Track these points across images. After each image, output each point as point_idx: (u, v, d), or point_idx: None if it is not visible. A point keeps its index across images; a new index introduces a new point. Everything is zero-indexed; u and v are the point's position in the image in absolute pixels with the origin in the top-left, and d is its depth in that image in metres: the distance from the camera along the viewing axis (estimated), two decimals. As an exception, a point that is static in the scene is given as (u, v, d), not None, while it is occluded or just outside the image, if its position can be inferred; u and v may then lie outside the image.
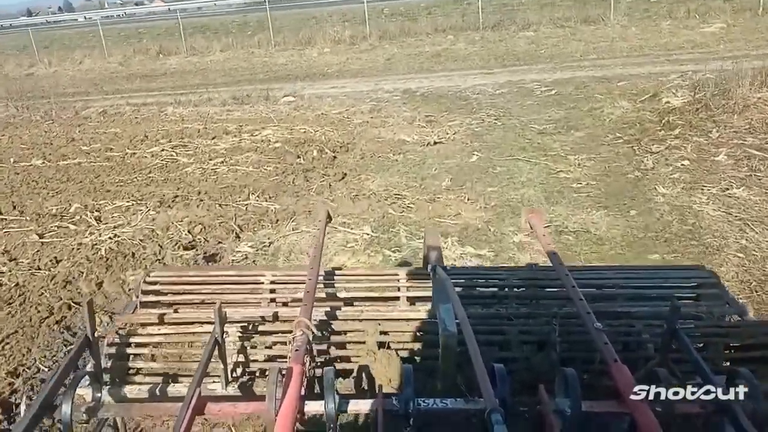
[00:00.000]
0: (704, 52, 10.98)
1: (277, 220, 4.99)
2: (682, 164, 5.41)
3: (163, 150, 7.33)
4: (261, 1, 21.27)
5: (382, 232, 4.61)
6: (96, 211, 5.44)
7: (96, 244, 4.69)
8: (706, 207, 4.59)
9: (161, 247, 4.57)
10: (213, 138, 7.69)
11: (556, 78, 9.94)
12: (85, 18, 28.15)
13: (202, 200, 5.49)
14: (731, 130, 6.08)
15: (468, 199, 5.08)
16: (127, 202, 5.60)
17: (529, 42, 14.11)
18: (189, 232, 4.83)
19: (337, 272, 2.51)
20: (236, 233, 4.77)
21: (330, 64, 14.31)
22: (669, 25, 13.96)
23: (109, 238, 4.80)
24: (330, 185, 5.67)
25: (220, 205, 5.32)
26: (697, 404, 1.47)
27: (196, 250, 4.53)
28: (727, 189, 4.79)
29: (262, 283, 2.36)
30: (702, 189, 4.85)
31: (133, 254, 4.47)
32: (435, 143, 6.74)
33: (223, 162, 6.62)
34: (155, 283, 2.37)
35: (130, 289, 3.83)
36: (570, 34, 14.46)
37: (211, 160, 6.74)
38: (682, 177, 5.16)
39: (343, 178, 5.84)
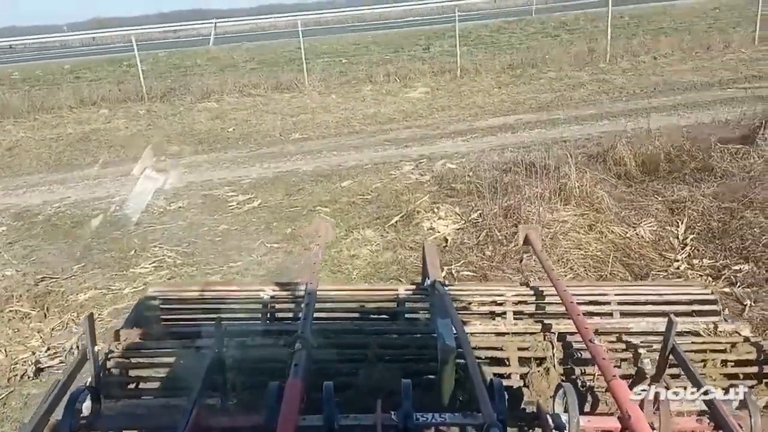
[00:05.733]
0: (422, 125, 9.29)
1: None
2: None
3: None
4: None
5: None
6: None
7: None
8: None
9: None
10: None
11: (257, 175, 7.14)
12: None
13: None
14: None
15: None
16: None
17: (213, 116, 11.00)
18: None
19: (336, 287, 2.52)
20: None
21: None
22: (371, 91, 12.08)
23: None
24: None
25: None
26: (695, 419, 1.48)
27: None
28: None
29: (262, 297, 2.37)
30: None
31: None
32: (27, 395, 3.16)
33: None
34: (155, 298, 2.38)
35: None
36: (262, 104, 11.68)
37: None
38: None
39: None
